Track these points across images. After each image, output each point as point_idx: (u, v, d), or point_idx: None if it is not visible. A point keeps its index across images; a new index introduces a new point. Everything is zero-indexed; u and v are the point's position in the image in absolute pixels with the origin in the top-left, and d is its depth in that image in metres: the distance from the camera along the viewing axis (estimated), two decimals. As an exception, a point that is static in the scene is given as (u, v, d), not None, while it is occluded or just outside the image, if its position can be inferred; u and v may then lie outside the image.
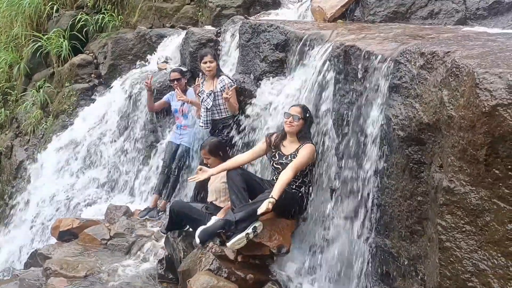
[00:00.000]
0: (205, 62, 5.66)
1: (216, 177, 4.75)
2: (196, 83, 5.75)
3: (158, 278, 4.69)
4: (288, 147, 4.39)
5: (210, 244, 4.23)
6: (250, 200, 4.18)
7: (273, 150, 4.46)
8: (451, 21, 5.50)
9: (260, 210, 3.88)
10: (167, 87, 6.66)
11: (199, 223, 4.43)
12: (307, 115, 4.35)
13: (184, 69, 6.63)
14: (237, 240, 3.96)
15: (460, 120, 2.63)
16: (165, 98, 6.50)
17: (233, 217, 4.02)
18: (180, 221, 4.72)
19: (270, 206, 3.87)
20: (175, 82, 6.17)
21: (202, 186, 5.22)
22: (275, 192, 3.96)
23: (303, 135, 4.35)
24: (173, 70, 6.37)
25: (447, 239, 2.72)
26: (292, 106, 4.47)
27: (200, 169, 4.60)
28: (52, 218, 6.62)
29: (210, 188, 4.89)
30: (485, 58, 2.74)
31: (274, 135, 4.52)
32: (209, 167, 4.72)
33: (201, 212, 4.66)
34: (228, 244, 4.00)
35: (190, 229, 4.73)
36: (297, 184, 4.33)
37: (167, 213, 5.93)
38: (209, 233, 4.24)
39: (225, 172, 4.50)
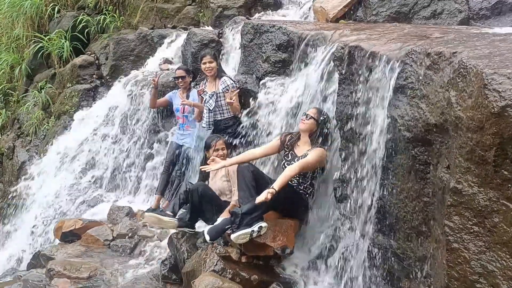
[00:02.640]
0: (205, 63, 5.64)
1: (215, 177, 4.76)
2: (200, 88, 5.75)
3: (161, 279, 4.69)
4: (301, 147, 4.43)
5: (215, 244, 4.22)
6: None
7: (286, 150, 4.50)
8: (454, 21, 5.50)
9: (258, 199, 3.92)
10: (169, 88, 6.65)
11: (216, 214, 4.45)
12: (321, 118, 4.37)
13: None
14: (242, 234, 3.97)
15: (468, 121, 2.62)
16: (166, 96, 6.47)
17: (239, 210, 4.05)
18: (198, 209, 4.58)
19: (269, 196, 3.90)
20: (180, 80, 6.15)
21: (206, 179, 5.20)
22: (277, 183, 4.00)
23: (315, 139, 4.39)
24: (179, 68, 6.34)
25: (455, 240, 2.71)
26: (313, 107, 4.53)
27: (213, 160, 4.57)
28: (55, 219, 6.61)
29: (213, 188, 4.87)
30: (493, 59, 2.73)
31: (290, 135, 4.55)
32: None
33: (220, 202, 4.63)
34: (233, 236, 4.01)
35: (191, 231, 4.71)
36: (305, 185, 4.36)
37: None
38: (218, 230, 4.25)
39: (225, 169, 4.55)
